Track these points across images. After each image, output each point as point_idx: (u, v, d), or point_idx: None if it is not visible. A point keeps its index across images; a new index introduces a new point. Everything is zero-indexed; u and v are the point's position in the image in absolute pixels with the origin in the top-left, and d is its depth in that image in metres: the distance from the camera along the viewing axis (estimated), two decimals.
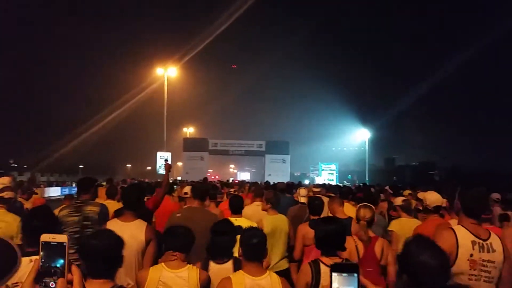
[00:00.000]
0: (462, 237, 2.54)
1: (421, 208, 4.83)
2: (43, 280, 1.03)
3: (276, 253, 4.45)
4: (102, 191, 6.13)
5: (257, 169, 64.31)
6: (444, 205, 4.33)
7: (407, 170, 56.97)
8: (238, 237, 3.19)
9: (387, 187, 9.45)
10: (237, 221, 4.13)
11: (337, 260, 2.70)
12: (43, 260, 1.04)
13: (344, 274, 1.17)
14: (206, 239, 3.04)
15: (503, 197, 6.86)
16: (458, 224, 2.68)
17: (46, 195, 24.97)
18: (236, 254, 3.09)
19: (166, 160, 5.13)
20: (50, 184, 38.72)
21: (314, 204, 4.50)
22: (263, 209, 4.87)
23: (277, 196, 4.99)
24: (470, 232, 2.56)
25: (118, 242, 2.19)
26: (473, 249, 2.50)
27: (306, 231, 4.15)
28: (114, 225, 3.29)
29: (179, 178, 32.11)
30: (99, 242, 2.11)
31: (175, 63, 33.80)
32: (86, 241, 2.19)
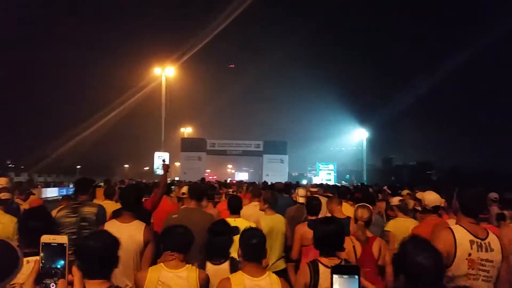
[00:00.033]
0: (460, 236, 2.54)
1: (419, 208, 4.84)
2: (44, 281, 1.02)
3: (273, 253, 4.45)
4: (100, 192, 6.11)
5: (255, 169, 64.38)
6: (442, 205, 4.33)
7: (405, 170, 57.15)
8: (235, 237, 3.19)
9: (385, 187, 9.48)
10: (235, 221, 4.13)
11: (336, 260, 2.70)
12: (43, 261, 1.04)
13: (345, 276, 1.16)
14: (203, 239, 3.04)
15: (500, 197, 6.88)
16: (456, 223, 2.68)
17: (43, 196, 24.89)
18: (233, 255, 3.09)
19: (163, 161, 5.13)
20: (48, 185, 38.57)
21: (312, 204, 4.50)
22: (261, 209, 4.87)
23: (275, 196, 5.00)
24: (468, 231, 2.56)
25: (114, 242, 2.19)
26: (471, 248, 2.51)
27: (304, 231, 4.15)
28: (113, 226, 3.29)
29: (176, 178, 32.07)
30: (95, 243, 2.10)
31: (173, 63, 33.82)
32: (82, 242, 2.19)
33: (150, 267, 2.76)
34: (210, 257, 3.00)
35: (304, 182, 34.49)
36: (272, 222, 4.53)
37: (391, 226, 4.59)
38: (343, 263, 2.70)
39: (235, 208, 4.44)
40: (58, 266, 1.04)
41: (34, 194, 7.38)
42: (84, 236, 2.94)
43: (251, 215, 4.82)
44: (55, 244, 1.05)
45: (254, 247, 2.64)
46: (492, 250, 2.51)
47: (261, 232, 2.79)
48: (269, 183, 12.29)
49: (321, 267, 2.65)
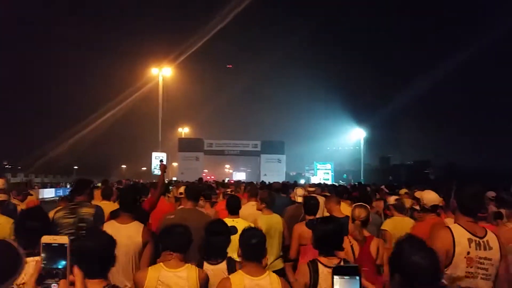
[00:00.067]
0: (458, 235, 2.54)
1: (416, 207, 4.85)
2: (45, 282, 1.02)
3: (271, 253, 4.44)
4: (97, 192, 6.09)
5: (252, 169, 64.45)
6: (441, 204, 4.34)
7: (402, 169, 57.29)
8: (232, 237, 3.19)
9: (383, 186, 9.49)
10: (234, 221, 4.12)
11: (335, 260, 2.70)
12: (44, 262, 1.03)
13: (346, 277, 1.16)
14: (200, 240, 3.03)
15: (497, 195, 6.90)
16: (454, 222, 2.69)
17: (40, 197, 24.80)
18: (230, 255, 3.09)
19: (161, 161, 5.11)
20: (45, 186, 38.47)
21: (310, 203, 4.50)
22: (258, 209, 4.86)
23: (272, 196, 4.99)
24: (467, 230, 2.56)
25: (110, 242, 2.21)
26: (470, 246, 2.51)
27: (302, 231, 4.15)
28: (111, 227, 3.28)
29: (174, 178, 32.03)
30: (91, 243, 2.10)
31: (170, 63, 33.73)
32: (79, 241, 2.19)
33: (150, 267, 2.75)
34: (207, 257, 2.99)
35: (302, 181, 34.53)
36: (269, 222, 4.53)
37: (388, 225, 4.59)
38: (342, 262, 2.71)
39: (234, 208, 4.43)
40: (59, 267, 1.03)
41: (31, 195, 7.34)
42: (80, 235, 2.94)
43: (248, 215, 4.81)
44: (56, 245, 1.05)
45: (254, 247, 2.64)
46: (490, 248, 2.52)
47: (261, 231, 2.79)
48: (267, 183, 12.30)
49: (320, 266, 2.65)
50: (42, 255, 1.04)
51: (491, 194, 6.80)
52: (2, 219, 4.33)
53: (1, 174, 33.34)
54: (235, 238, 3.86)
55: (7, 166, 60.38)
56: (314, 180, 38.26)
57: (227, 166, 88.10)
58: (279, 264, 4.48)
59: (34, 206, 5.09)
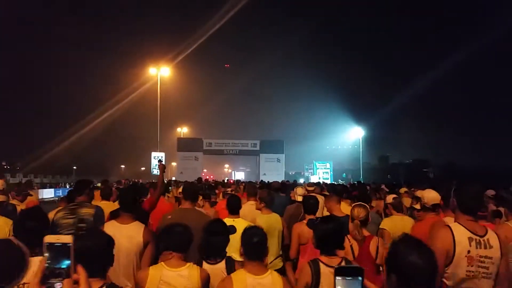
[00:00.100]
0: (458, 234, 2.54)
1: (416, 206, 4.85)
2: (49, 281, 1.02)
3: (270, 252, 4.43)
4: (97, 193, 6.08)
5: (251, 169, 64.33)
6: (440, 203, 4.34)
7: (401, 168, 57.27)
8: (232, 237, 3.18)
9: (383, 186, 9.50)
10: (234, 221, 4.12)
11: (336, 259, 2.70)
12: (48, 261, 1.03)
13: (348, 278, 1.15)
14: (198, 240, 3.03)
15: (496, 194, 6.91)
16: (455, 221, 2.69)
17: (39, 197, 24.77)
18: (229, 254, 3.09)
19: (160, 161, 5.10)
20: (44, 186, 38.42)
21: (309, 203, 4.50)
22: (257, 208, 4.86)
23: (271, 195, 4.99)
24: (467, 228, 2.56)
25: (108, 241, 2.21)
26: (470, 245, 2.51)
27: (302, 230, 4.15)
28: (112, 227, 3.29)
29: (173, 178, 32.02)
30: (89, 242, 2.10)
31: (169, 63, 33.74)
32: (76, 241, 2.19)
33: (151, 266, 2.75)
34: (206, 257, 2.99)
35: (301, 180, 34.53)
36: (268, 221, 4.53)
37: (386, 224, 4.60)
38: (343, 262, 2.71)
39: (234, 208, 4.42)
40: (63, 266, 1.03)
41: (31, 195, 7.33)
42: (79, 235, 2.93)
43: (247, 214, 4.81)
44: (59, 244, 1.05)
45: (256, 246, 2.64)
46: (491, 247, 2.52)
47: (262, 230, 2.79)
48: (266, 182, 12.30)
49: (322, 266, 2.64)
50: (46, 254, 1.03)
51: (490, 192, 6.81)
52: (1, 220, 4.33)
53: (0, 174, 33.30)
54: (234, 238, 3.88)
55: (6, 167, 60.23)
56: (314, 179, 38.26)
57: (226, 165, 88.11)
58: (279, 264, 4.48)
59: (33, 206, 5.08)
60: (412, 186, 9.76)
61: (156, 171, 28.21)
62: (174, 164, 49.10)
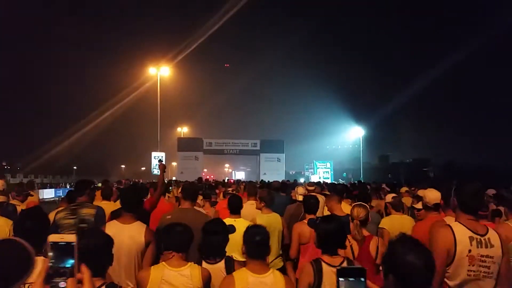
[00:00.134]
0: (459, 233, 2.53)
1: (415, 206, 4.84)
2: (53, 281, 1.02)
3: (270, 252, 4.45)
4: (97, 193, 6.09)
5: (252, 168, 64.40)
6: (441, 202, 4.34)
7: (401, 167, 57.22)
8: (232, 236, 3.18)
9: (384, 185, 9.49)
10: (236, 221, 4.12)
11: (338, 259, 2.70)
12: (52, 260, 1.03)
13: (351, 279, 1.15)
14: (198, 239, 3.03)
15: (497, 193, 6.90)
16: (455, 221, 2.68)
17: (40, 197, 24.75)
18: (229, 254, 3.09)
19: (160, 161, 5.10)
20: (44, 186, 38.42)
21: (309, 203, 4.50)
22: (257, 208, 4.86)
23: (271, 195, 4.99)
24: (467, 228, 2.56)
25: (107, 240, 2.22)
26: (471, 245, 2.50)
27: (302, 230, 4.15)
28: (114, 227, 3.30)
29: (174, 178, 32.02)
30: (88, 241, 2.10)
31: (169, 62, 33.75)
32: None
33: (153, 266, 2.75)
34: (206, 256, 2.99)
35: (302, 180, 34.52)
36: (268, 221, 4.52)
37: (385, 223, 4.59)
38: (345, 261, 2.71)
39: (235, 208, 4.42)
40: (67, 266, 1.03)
41: (32, 196, 7.33)
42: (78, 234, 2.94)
43: (247, 214, 4.81)
44: (63, 243, 1.05)
45: (258, 244, 2.64)
46: (492, 246, 2.51)
47: (265, 229, 2.79)
48: (267, 182, 12.29)
49: (324, 266, 2.64)
50: (50, 254, 1.03)
51: (491, 192, 6.81)
52: (1, 221, 4.33)
53: (1, 175, 33.30)
54: (235, 238, 3.88)
55: (6, 167, 60.22)
56: (314, 178, 38.25)
57: (227, 165, 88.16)
58: (279, 263, 4.48)
59: (33, 206, 5.09)
60: (412, 186, 9.76)
61: (156, 171, 28.18)
62: (174, 164, 49.11)
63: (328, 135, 64.72)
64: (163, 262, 2.71)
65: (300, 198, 5.62)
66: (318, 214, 4.42)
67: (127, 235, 3.25)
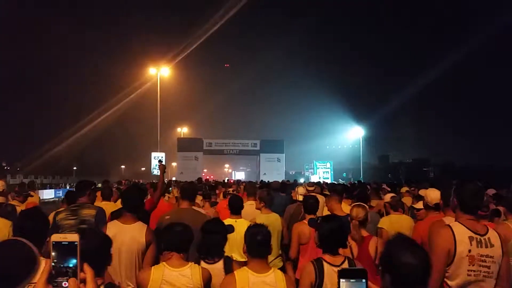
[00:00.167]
0: (459, 233, 2.53)
1: (415, 205, 4.84)
2: (56, 280, 1.01)
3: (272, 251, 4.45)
4: (97, 193, 6.09)
5: (252, 168, 64.35)
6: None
7: (401, 167, 57.19)
8: (231, 236, 3.18)
9: (384, 185, 9.49)
10: (236, 222, 4.12)
11: (339, 258, 2.70)
12: (55, 260, 1.02)
13: (352, 280, 1.15)
14: (196, 239, 3.03)
15: (496, 193, 6.90)
16: (455, 221, 2.68)
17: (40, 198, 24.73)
18: (229, 254, 3.09)
19: (160, 161, 5.10)
20: (44, 187, 38.41)
21: (309, 203, 4.50)
22: (257, 208, 4.86)
23: (271, 195, 4.99)
24: (467, 228, 2.56)
25: (104, 240, 2.22)
26: (471, 244, 2.50)
27: (302, 230, 4.14)
28: (115, 227, 3.30)
29: (173, 178, 32.01)
30: (86, 241, 2.10)
31: (168, 63, 33.81)
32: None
33: (153, 266, 2.76)
34: (204, 256, 2.99)
35: (302, 180, 34.51)
36: (267, 221, 4.51)
37: (384, 223, 4.59)
38: (347, 261, 2.71)
39: (236, 208, 4.42)
40: (70, 265, 1.03)
41: (32, 196, 7.34)
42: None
43: (247, 214, 4.81)
44: (66, 243, 1.04)
45: (259, 244, 2.65)
46: (492, 245, 2.51)
47: (266, 228, 2.79)
48: (266, 182, 12.29)
49: (325, 265, 2.64)
50: (52, 253, 1.02)
51: (491, 191, 6.81)
52: (0, 222, 4.33)
53: (1, 175, 33.26)
54: (235, 238, 3.87)
55: (6, 168, 60.20)
56: (314, 179, 38.24)
57: (227, 165, 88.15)
58: (279, 263, 4.48)
59: (33, 207, 5.09)
60: (412, 186, 9.75)
61: (156, 172, 28.22)
62: (174, 164, 49.11)
63: (328, 135, 64.63)
64: (164, 262, 2.71)
65: (301, 198, 5.62)
66: (318, 214, 4.42)
67: (128, 235, 3.26)
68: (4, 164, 62.82)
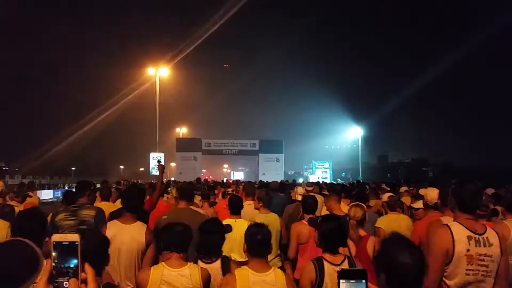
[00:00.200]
0: (457, 232, 2.54)
1: (413, 205, 4.85)
2: (57, 281, 1.01)
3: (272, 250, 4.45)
4: (96, 193, 6.08)
5: (250, 169, 64.28)
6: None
7: (400, 167, 57.27)
8: (230, 236, 3.18)
9: (383, 185, 9.51)
10: (236, 222, 4.12)
11: (339, 257, 2.71)
12: (56, 261, 1.02)
13: (352, 281, 1.15)
14: (194, 239, 3.03)
15: (495, 192, 6.92)
16: (454, 220, 2.68)
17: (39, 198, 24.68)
18: (227, 254, 3.09)
19: (159, 161, 5.10)
20: (42, 187, 38.33)
21: (308, 203, 4.50)
22: (255, 208, 4.86)
23: (269, 195, 4.99)
24: (465, 227, 2.56)
25: (102, 240, 2.24)
26: (469, 244, 2.51)
27: (300, 229, 4.15)
28: (115, 227, 3.31)
29: (172, 178, 31.99)
30: (86, 242, 2.10)
31: (167, 63, 33.76)
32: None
33: (152, 266, 2.76)
34: (202, 256, 2.99)
35: (301, 180, 34.54)
36: (266, 221, 4.51)
37: (382, 222, 4.60)
38: (346, 259, 2.71)
39: (236, 208, 4.42)
40: (71, 265, 1.02)
41: (30, 196, 7.32)
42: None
43: (245, 214, 4.81)
44: (67, 243, 1.03)
45: (260, 243, 2.66)
46: (490, 245, 2.52)
47: (266, 228, 2.80)
48: (265, 182, 12.28)
49: (326, 264, 2.65)
50: (53, 254, 1.02)
51: (490, 191, 6.83)
52: None
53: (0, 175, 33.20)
54: (235, 238, 3.87)
55: (4, 168, 60.07)
56: (313, 178, 38.26)
57: (225, 165, 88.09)
58: (277, 263, 4.48)
59: (31, 207, 5.08)
60: (411, 185, 9.77)
61: (155, 172, 28.18)
62: (173, 164, 49.07)
63: (327, 135, 64.61)
64: (163, 263, 2.71)
65: (300, 198, 5.62)
66: (317, 214, 4.43)
67: (128, 235, 3.26)
68: (2, 165, 62.69)
